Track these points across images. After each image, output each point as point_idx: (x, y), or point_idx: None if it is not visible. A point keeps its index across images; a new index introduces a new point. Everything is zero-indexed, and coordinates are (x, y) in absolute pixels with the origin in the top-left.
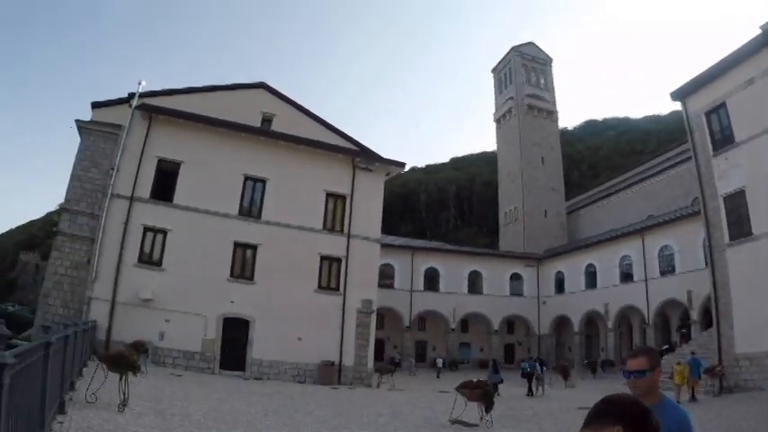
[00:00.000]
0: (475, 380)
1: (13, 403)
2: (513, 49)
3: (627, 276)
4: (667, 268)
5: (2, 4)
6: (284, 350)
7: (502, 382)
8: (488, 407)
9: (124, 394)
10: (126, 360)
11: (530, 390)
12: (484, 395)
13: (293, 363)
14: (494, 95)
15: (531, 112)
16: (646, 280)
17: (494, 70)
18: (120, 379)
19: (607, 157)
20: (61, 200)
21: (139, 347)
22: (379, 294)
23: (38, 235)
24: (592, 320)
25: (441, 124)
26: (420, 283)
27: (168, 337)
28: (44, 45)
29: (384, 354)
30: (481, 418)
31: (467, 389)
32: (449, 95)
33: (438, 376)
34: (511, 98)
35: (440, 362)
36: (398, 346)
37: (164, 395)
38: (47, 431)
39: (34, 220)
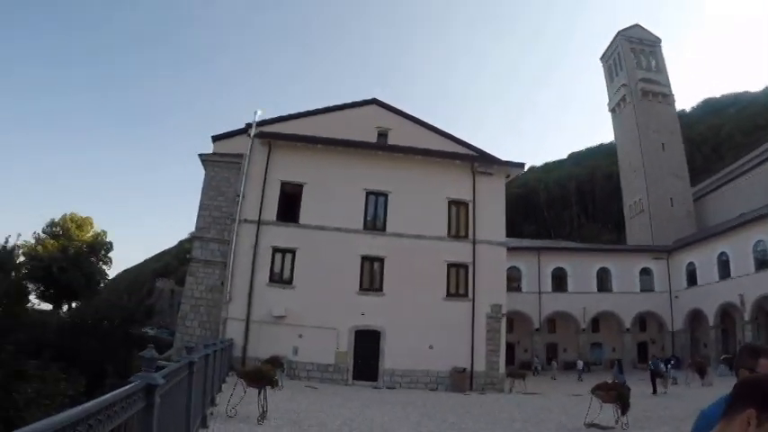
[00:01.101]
0: (610, 381)
1: (162, 420)
2: (620, 33)
3: (762, 263)
4: None
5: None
6: (416, 359)
7: (625, 382)
8: (624, 409)
9: (263, 407)
10: (264, 375)
11: (654, 389)
12: (619, 397)
13: (425, 371)
14: (605, 84)
15: (645, 98)
16: None
17: (602, 58)
18: (259, 393)
19: (729, 136)
20: (191, 229)
21: (276, 362)
22: (507, 298)
23: (171, 263)
24: (727, 313)
25: (554, 120)
26: (548, 284)
27: (302, 352)
28: (168, 85)
29: (515, 358)
30: (617, 421)
31: (602, 391)
32: (559, 89)
33: (580, 379)
34: (623, 85)
35: (580, 364)
36: (529, 350)
37: (300, 407)
38: None
39: (167, 250)
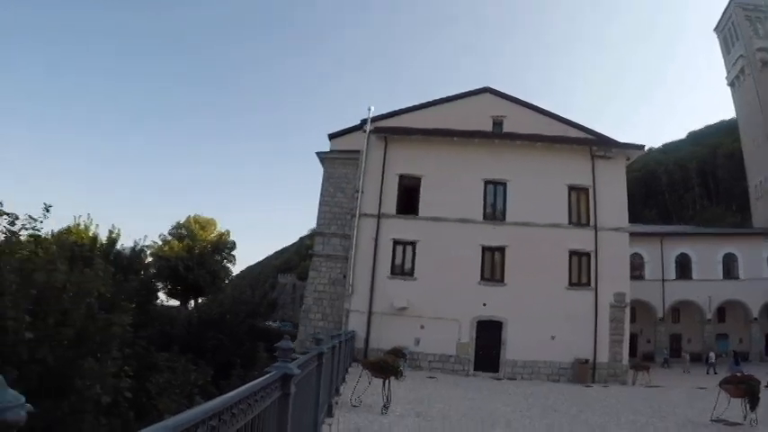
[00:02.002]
0: (739, 374)
1: (294, 408)
2: (733, 1)
3: None
4: None
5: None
6: (537, 349)
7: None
8: (753, 404)
9: (386, 398)
10: (389, 366)
11: None
12: (749, 391)
13: (546, 362)
14: (721, 57)
15: (766, 68)
16: None
17: (716, 29)
18: (383, 383)
19: None
20: (311, 225)
21: (398, 353)
22: (630, 287)
23: (293, 259)
24: None
25: (671, 99)
26: (671, 271)
27: (423, 342)
28: (282, 82)
29: (637, 349)
30: (745, 417)
31: (730, 384)
32: (675, 67)
33: (714, 372)
34: (741, 56)
35: (712, 356)
36: (652, 341)
37: (422, 397)
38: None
39: (288, 246)
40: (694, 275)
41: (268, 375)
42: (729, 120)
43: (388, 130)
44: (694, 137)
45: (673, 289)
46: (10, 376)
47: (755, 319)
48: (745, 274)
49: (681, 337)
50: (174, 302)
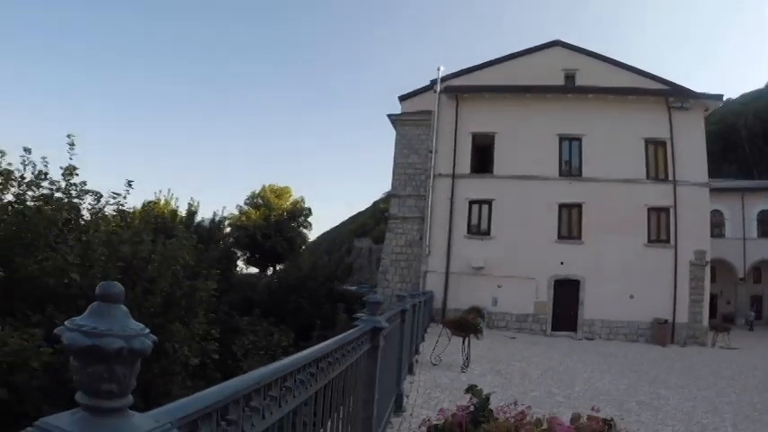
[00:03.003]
0: None
1: (383, 362)
2: None
3: None
4: None
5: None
6: (615, 309)
7: None
8: None
9: (466, 356)
10: (470, 324)
11: None
12: None
13: (625, 322)
14: None
15: None
16: None
17: None
18: (463, 342)
19: None
20: (384, 189)
21: (477, 313)
22: (710, 245)
23: (367, 223)
24: None
25: (749, 46)
26: (753, 229)
27: (500, 302)
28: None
29: (716, 310)
30: None
31: None
32: (752, 12)
33: None
34: None
35: None
36: (731, 302)
37: (500, 356)
38: (402, 387)
39: (362, 211)
40: None
41: (359, 327)
42: None
43: (458, 89)
44: None
45: (754, 248)
46: None
47: None
48: None
49: (762, 298)
50: (253, 270)
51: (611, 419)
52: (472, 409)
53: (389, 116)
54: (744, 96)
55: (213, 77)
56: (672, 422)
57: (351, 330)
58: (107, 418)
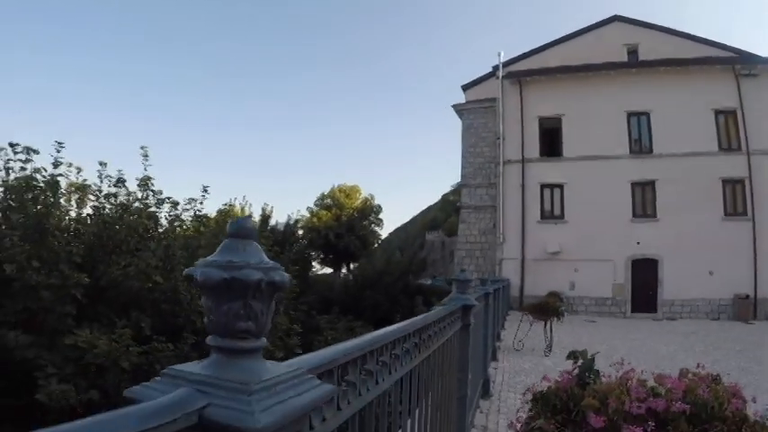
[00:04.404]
0: None
1: (474, 342)
2: None
3: None
4: None
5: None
6: (695, 286)
7: None
8: None
9: (549, 340)
10: (551, 307)
11: None
12: None
13: (705, 299)
14: None
15: None
16: None
17: None
18: (545, 326)
19: None
20: (452, 182)
21: (556, 297)
22: None
23: (438, 216)
24: None
25: None
26: None
27: (578, 286)
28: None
29: None
30: None
31: None
32: None
33: None
34: None
35: None
36: None
37: (582, 340)
38: (488, 372)
39: (432, 205)
40: None
41: (452, 303)
42: None
43: (521, 74)
44: None
45: None
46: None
47: None
48: None
49: None
50: (328, 270)
51: (718, 374)
52: (577, 371)
53: (454, 106)
54: None
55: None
56: (763, 396)
57: (443, 306)
58: (242, 359)
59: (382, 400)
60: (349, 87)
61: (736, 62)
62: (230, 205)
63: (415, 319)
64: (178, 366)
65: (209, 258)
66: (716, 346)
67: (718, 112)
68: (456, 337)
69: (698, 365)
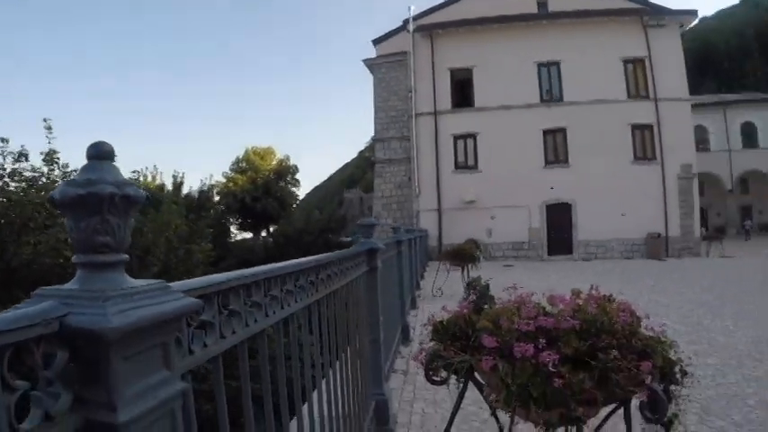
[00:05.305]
0: None
1: (382, 291)
2: None
3: None
4: None
5: None
6: (609, 228)
7: None
8: None
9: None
10: (466, 252)
11: None
12: None
13: (619, 239)
14: None
15: None
16: None
17: None
18: (462, 272)
19: None
20: (368, 137)
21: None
22: (696, 159)
23: (355, 173)
24: None
25: None
26: (737, 141)
27: (495, 233)
28: None
29: (708, 223)
30: None
31: None
32: None
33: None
34: None
35: (748, 224)
36: (722, 214)
37: (501, 283)
38: (407, 320)
39: (349, 162)
40: (762, 143)
41: (355, 247)
42: None
43: (431, 27)
44: (750, 1)
45: (740, 159)
46: None
47: None
48: None
49: (751, 208)
50: (248, 235)
51: (611, 294)
52: (474, 299)
53: (365, 61)
54: (719, 13)
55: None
56: (674, 325)
57: (346, 249)
58: (104, 272)
59: (292, 337)
60: (263, 48)
61: (644, 13)
62: (139, 173)
63: (311, 257)
64: (49, 287)
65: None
66: (630, 282)
67: (626, 62)
68: (362, 279)
69: (591, 287)
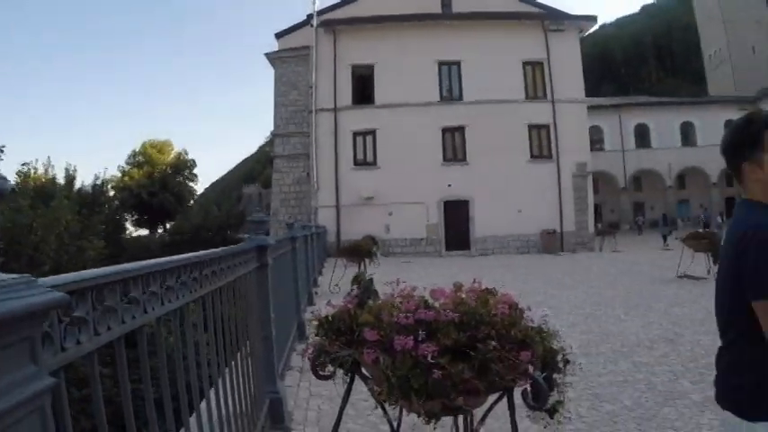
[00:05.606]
0: (702, 231)
1: (274, 287)
2: None
3: None
4: None
5: None
6: (505, 224)
7: (670, 233)
8: (716, 258)
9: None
10: (362, 248)
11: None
12: (711, 246)
13: (515, 235)
14: None
15: None
16: None
17: None
18: (359, 268)
19: None
20: (268, 132)
21: (370, 240)
22: (590, 158)
23: (255, 168)
24: None
25: None
26: (631, 141)
27: (394, 229)
28: None
29: (602, 219)
30: (708, 271)
31: (693, 240)
32: None
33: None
34: None
35: (640, 219)
36: (615, 210)
37: (398, 278)
38: (303, 316)
39: (249, 157)
40: (653, 144)
41: (243, 243)
42: None
43: (335, 22)
44: (649, 10)
45: (633, 158)
46: None
47: (715, 184)
48: (704, 141)
49: (644, 204)
50: (144, 232)
51: (494, 288)
52: (357, 293)
53: (267, 55)
54: (619, 20)
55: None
56: (566, 316)
57: (236, 246)
58: None
59: (175, 335)
60: (163, 38)
61: (545, 17)
62: (29, 165)
63: (193, 253)
64: None
65: None
66: (525, 276)
67: (526, 64)
68: (252, 276)
69: (474, 280)
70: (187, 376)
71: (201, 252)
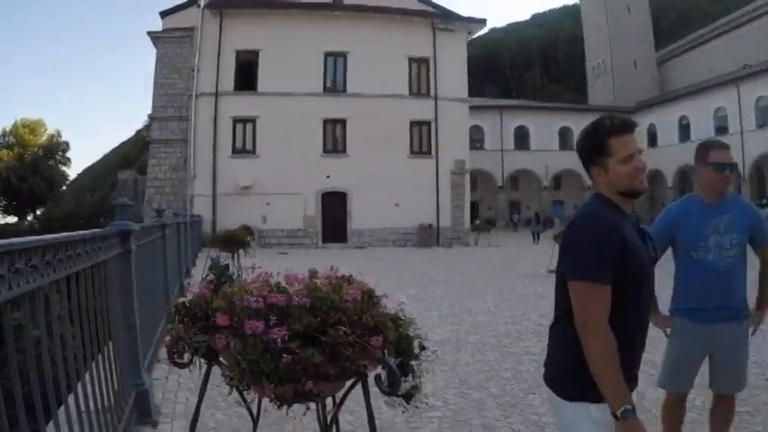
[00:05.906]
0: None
1: (140, 277)
2: None
3: (721, 129)
4: (765, 120)
5: None
6: (382, 217)
7: (542, 231)
8: None
9: (237, 270)
10: (235, 238)
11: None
12: None
13: (392, 228)
14: None
15: None
16: (741, 132)
17: None
18: (232, 257)
19: (698, 3)
20: (145, 116)
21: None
22: (470, 156)
23: (131, 153)
24: (686, 175)
25: None
26: (510, 142)
27: (270, 219)
28: None
29: (479, 215)
30: None
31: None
32: None
33: (515, 230)
34: None
35: (515, 217)
36: (492, 207)
37: (274, 269)
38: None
39: (125, 141)
40: (532, 146)
41: (106, 228)
42: (573, 5)
43: (222, 4)
44: (538, 19)
45: (511, 159)
46: None
47: (589, 187)
48: None
49: (520, 203)
50: (12, 219)
51: (350, 275)
52: (212, 278)
53: (149, 33)
54: (509, 26)
55: None
56: (439, 309)
57: (96, 230)
58: None
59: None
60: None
61: (435, 16)
62: None
63: (47, 235)
64: None
65: None
66: (400, 270)
67: (412, 60)
68: (115, 262)
69: (331, 268)
70: (39, 367)
71: (58, 234)
